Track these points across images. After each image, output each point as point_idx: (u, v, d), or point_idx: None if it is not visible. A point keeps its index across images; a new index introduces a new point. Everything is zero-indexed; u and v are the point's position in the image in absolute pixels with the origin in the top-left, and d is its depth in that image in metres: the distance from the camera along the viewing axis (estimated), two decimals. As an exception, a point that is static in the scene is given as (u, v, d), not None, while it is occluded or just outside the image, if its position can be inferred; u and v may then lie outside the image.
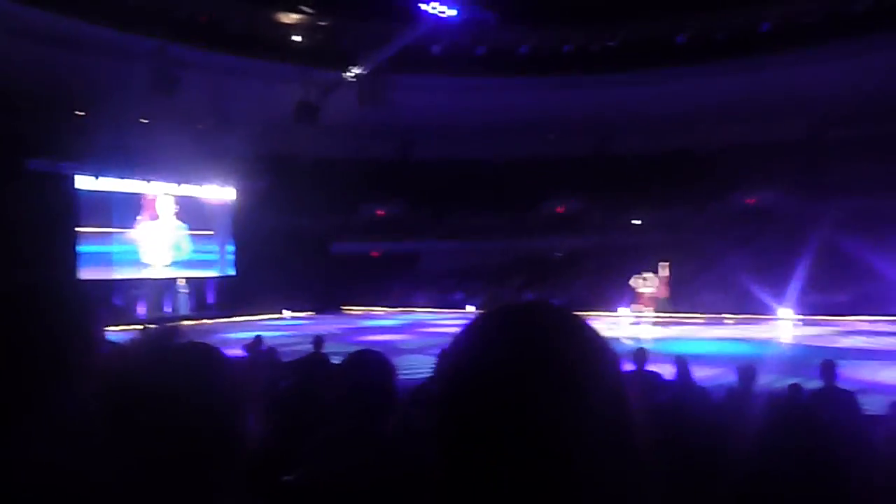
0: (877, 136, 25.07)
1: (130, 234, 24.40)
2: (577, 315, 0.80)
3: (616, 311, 22.41)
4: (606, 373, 0.76)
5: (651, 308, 20.14)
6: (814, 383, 6.51)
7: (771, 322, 20.78)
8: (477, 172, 31.22)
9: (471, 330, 0.80)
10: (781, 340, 17.85)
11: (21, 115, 21.85)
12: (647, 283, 20.11)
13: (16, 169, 20.43)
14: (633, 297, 20.34)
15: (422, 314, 26.48)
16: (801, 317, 21.16)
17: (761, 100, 26.25)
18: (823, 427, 1.26)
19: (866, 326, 19.72)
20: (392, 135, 31.83)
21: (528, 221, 29.52)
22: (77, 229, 22.89)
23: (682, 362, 6.94)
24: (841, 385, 6.43)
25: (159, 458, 0.99)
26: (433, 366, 7.79)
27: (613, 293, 23.95)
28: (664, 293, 19.99)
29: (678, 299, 22.94)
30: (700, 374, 7.15)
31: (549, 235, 28.60)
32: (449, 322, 22.18)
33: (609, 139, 31.17)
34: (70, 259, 22.07)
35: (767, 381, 6.32)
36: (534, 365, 0.72)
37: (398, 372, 2.44)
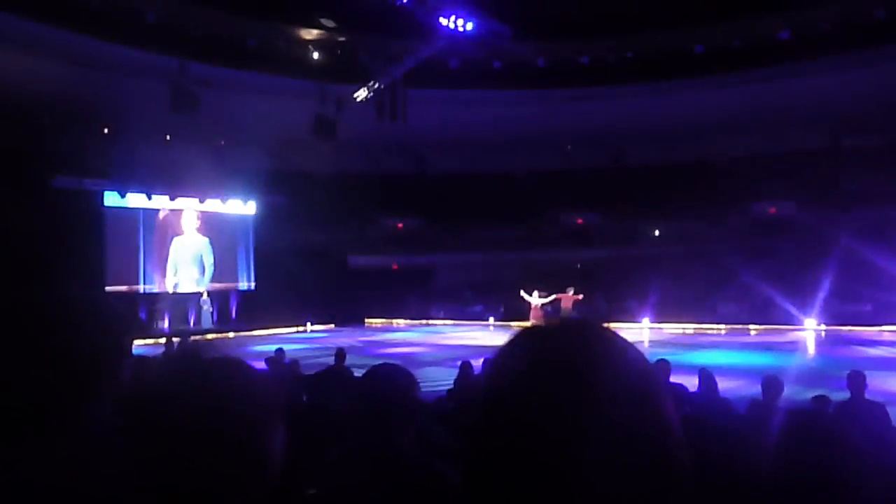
0: (893, 146, 24.86)
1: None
2: (617, 333, 0.79)
3: (639, 322, 22.58)
4: (652, 393, 0.75)
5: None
6: (841, 395, 6.39)
7: (794, 333, 20.56)
8: (493, 185, 31.21)
9: (511, 348, 0.79)
10: (806, 351, 17.65)
11: (45, 132, 22.22)
12: (534, 298, 20.99)
13: (41, 186, 20.74)
14: (529, 310, 21.10)
15: (441, 326, 26.48)
16: (824, 327, 20.93)
17: (778, 109, 26.07)
18: (848, 440, 1.25)
19: (891, 336, 19.44)
20: (408, 149, 31.95)
21: (544, 233, 29.44)
22: (105, 245, 23.20)
23: (706, 375, 6.83)
24: (870, 397, 6.30)
25: (183, 471, 1.00)
26: (453, 378, 7.80)
27: (632, 304, 23.95)
28: (570, 310, 20.74)
29: (700, 311, 23.17)
30: (723, 385, 7.05)
31: (566, 247, 28.48)
32: (468, 334, 22.17)
33: (625, 150, 31.07)
34: (99, 274, 22.29)
35: (792, 393, 6.23)
36: (578, 386, 0.71)
37: (419, 385, 2.44)
